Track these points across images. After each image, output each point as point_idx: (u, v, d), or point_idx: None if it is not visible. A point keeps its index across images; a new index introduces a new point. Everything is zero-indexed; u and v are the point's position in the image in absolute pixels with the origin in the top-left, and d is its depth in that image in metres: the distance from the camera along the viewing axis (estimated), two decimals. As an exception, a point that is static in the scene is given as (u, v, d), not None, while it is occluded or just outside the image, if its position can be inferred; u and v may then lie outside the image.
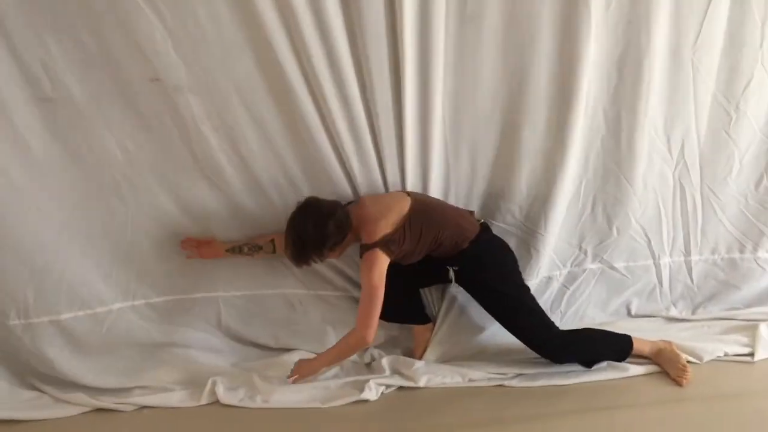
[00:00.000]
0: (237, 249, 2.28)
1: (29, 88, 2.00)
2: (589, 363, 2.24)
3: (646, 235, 2.56)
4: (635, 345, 2.24)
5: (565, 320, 2.52)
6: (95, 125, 2.09)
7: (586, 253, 2.56)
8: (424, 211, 2.11)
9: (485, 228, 2.25)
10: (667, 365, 2.21)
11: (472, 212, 2.31)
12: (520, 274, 2.30)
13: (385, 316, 2.29)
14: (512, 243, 2.37)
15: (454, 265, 2.21)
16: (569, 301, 2.56)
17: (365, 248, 2.03)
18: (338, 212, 2.06)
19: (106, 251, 2.24)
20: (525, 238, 2.44)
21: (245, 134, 2.18)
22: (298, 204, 2.08)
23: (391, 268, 2.09)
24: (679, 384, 2.16)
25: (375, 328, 2.02)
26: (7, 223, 2.10)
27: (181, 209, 2.26)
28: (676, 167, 2.48)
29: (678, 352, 2.23)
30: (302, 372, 2.16)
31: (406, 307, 2.38)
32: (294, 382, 2.15)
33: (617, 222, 2.52)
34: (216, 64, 2.07)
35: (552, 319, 2.24)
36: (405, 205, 2.10)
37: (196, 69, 2.07)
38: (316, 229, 2.00)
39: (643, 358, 2.26)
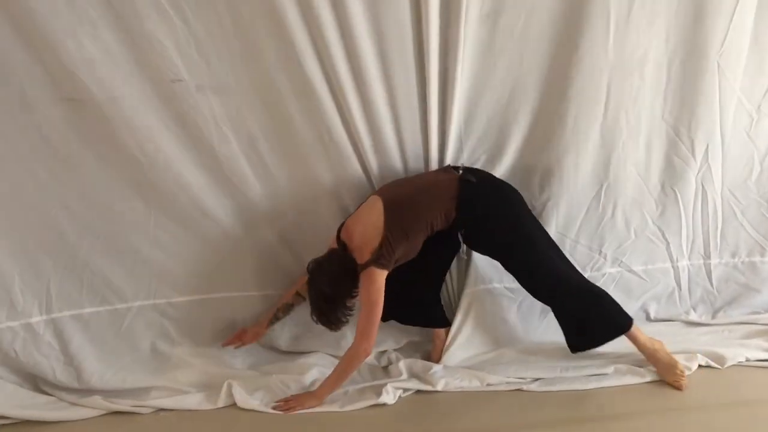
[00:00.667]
0: (274, 319, 2.32)
1: (53, 88, 2.00)
2: (580, 324, 2.19)
3: (665, 238, 2.54)
4: (634, 330, 2.18)
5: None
6: (117, 126, 2.09)
7: (605, 258, 2.53)
8: (399, 210, 2.07)
9: (464, 183, 2.12)
10: (663, 369, 2.17)
11: (447, 168, 2.23)
12: (525, 212, 2.21)
13: (404, 319, 2.30)
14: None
15: (459, 230, 2.20)
16: (588, 306, 2.53)
17: (361, 268, 2.05)
18: (336, 263, 2.06)
19: (128, 250, 2.24)
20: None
21: (266, 134, 2.18)
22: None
23: (409, 270, 2.10)
24: (678, 389, 2.12)
25: (374, 339, 2.06)
26: (32, 219, 2.12)
27: (201, 211, 2.25)
28: (699, 171, 2.46)
29: (672, 356, 2.18)
30: (307, 404, 2.10)
31: (424, 310, 2.37)
32: (288, 412, 2.09)
33: (634, 224, 2.50)
34: (238, 63, 2.06)
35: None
36: (379, 213, 2.07)
37: (218, 69, 2.07)
38: (326, 296, 2.04)
39: (640, 352, 2.20)
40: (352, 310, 2.08)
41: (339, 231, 2.16)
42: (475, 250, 2.31)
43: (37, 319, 2.19)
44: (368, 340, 2.04)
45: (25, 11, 1.90)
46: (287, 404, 2.10)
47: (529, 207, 2.35)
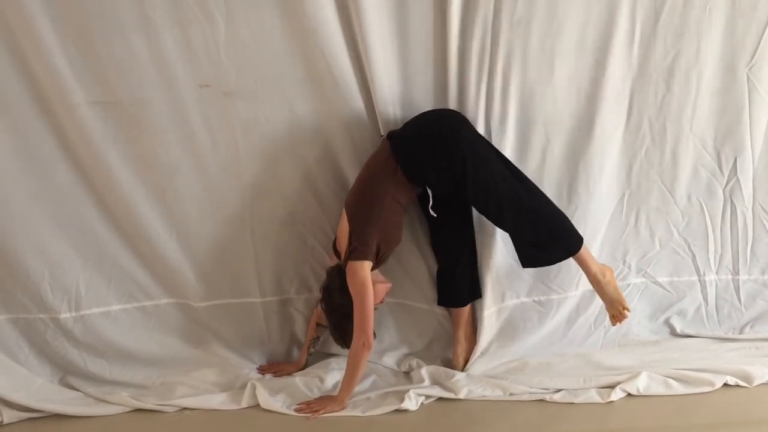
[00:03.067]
0: (308, 355, 2.40)
1: (80, 91, 2.06)
2: (533, 245, 2.19)
3: (691, 250, 2.51)
4: (584, 253, 2.19)
5: (608, 336, 2.47)
6: (144, 130, 2.15)
7: (630, 267, 2.51)
8: (354, 202, 2.12)
9: (392, 140, 2.13)
10: (607, 301, 2.21)
11: (382, 137, 2.20)
12: (465, 132, 2.14)
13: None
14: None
15: (423, 185, 2.15)
16: (614, 317, 2.51)
17: (345, 266, 2.11)
18: (335, 278, 2.14)
19: (153, 251, 2.29)
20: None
21: (293, 141, 2.21)
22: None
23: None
24: (612, 323, 2.23)
25: (371, 331, 2.07)
26: (61, 216, 2.19)
27: (223, 217, 2.29)
28: (727, 184, 2.43)
29: (619, 291, 2.21)
30: (329, 407, 2.11)
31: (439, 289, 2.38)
32: (312, 417, 2.10)
33: (659, 234, 2.48)
34: (266, 70, 2.10)
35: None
36: (345, 216, 2.13)
37: (246, 75, 2.11)
38: (337, 318, 2.14)
39: (588, 274, 2.20)
40: None
41: (334, 248, 2.23)
42: (442, 193, 2.17)
43: (66, 315, 2.26)
44: (365, 333, 2.06)
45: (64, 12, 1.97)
46: (310, 408, 2.12)
47: None
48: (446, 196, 2.18)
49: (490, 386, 2.20)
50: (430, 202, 2.16)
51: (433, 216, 2.19)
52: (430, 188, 2.15)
